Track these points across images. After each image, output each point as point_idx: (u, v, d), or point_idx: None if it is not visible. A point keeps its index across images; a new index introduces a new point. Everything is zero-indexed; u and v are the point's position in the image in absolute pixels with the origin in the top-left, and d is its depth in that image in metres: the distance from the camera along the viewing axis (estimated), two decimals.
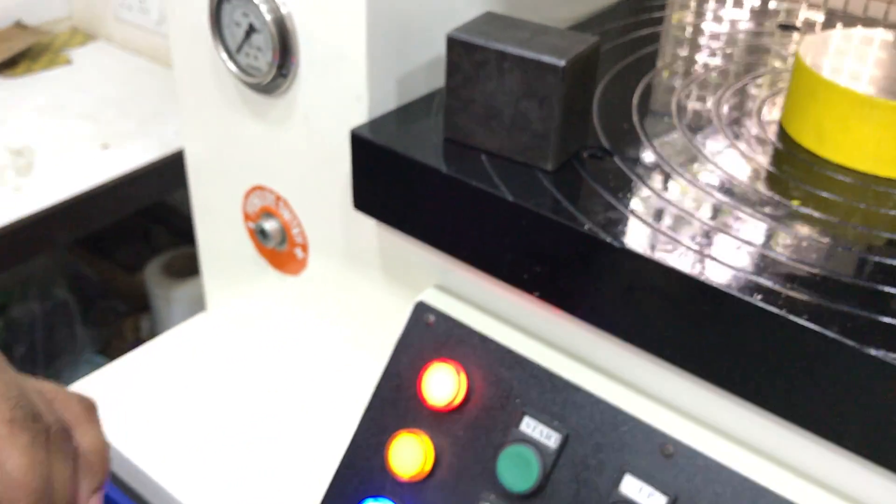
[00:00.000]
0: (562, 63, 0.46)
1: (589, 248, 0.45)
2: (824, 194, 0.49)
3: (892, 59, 0.53)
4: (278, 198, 0.65)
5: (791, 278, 0.41)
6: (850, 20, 0.74)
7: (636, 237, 0.44)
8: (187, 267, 1.12)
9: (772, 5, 0.76)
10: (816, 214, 0.47)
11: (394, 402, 0.54)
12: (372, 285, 0.62)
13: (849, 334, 0.38)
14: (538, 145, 0.49)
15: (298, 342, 0.70)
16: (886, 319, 0.39)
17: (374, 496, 0.53)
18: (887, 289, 0.41)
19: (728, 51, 0.67)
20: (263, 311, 0.72)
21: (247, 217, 0.69)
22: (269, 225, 0.66)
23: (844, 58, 0.53)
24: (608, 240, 0.44)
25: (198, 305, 0.81)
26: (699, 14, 0.74)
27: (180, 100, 0.68)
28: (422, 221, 0.53)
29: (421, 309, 0.55)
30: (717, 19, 0.72)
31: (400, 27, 0.54)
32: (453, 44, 0.49)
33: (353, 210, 0.56)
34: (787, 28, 0.71)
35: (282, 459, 0.62)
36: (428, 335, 0.54)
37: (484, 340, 0.52)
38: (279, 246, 0.67)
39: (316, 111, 0.58)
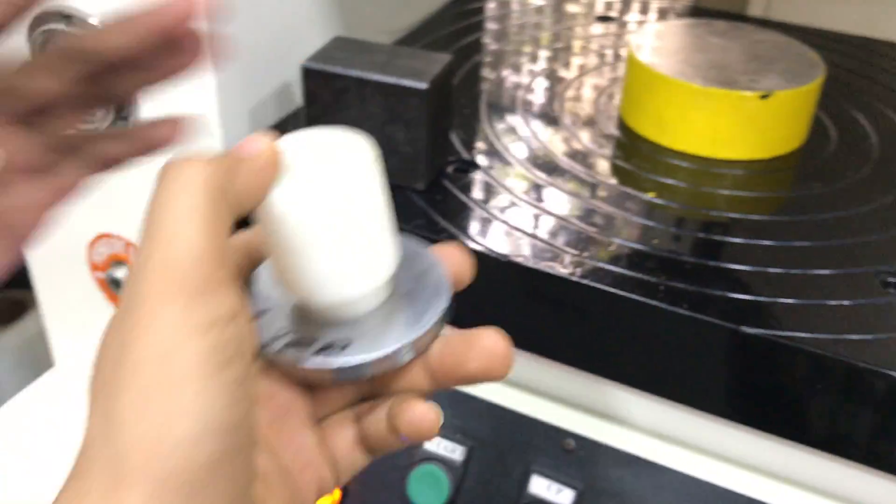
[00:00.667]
0: (424, 86, 0.47)
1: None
2: (670, 181, 0.52)
3: (719, 48, 0.57)
4: (128, 244, 0.61)
5: (647, 266, 0.44)
6: (662, 11, 0.79)
7: (512, 245, 0.45)
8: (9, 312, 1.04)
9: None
10: (664, 202, 0.50)
11: None
12: None
13: (696, 309, 0.41)
14: (409, 167, 0.49)
15: None
16: (725, 293, 0.43)
17: None
18: (725, 264, 0.45)
19: (558, 46, 0.69)
20: None
21: (95, 267, 0.64)
22: (122, 272, 0.62)
23: (675, 50, 0.57)
24: (492, 254, 0.45)
25: (26, 355, 0.75)
26: (524, 13, 0.76)
27: None
28: None
29: None
30: (540, 14, 0.75)
31: (248, 58, 0.53)
32: (310, 73, 0.48)
33: None
34: (606, 20, 0.75)
35: None
36: None
37: None
38: None
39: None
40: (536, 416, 0.49)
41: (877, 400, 0.39)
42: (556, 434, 0.49)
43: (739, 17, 0.81)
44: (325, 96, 0.49)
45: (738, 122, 0.53)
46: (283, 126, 0.56)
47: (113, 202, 0.59)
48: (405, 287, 0.30)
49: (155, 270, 0.23)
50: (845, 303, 0.42)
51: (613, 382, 0.46)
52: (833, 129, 0.59)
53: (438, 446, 0.50)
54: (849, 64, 0.68)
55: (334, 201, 0.27)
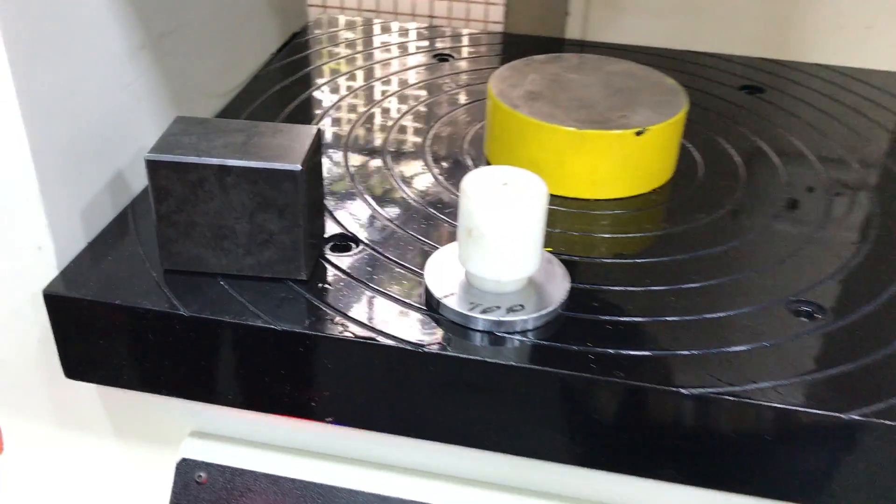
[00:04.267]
0: (297, 167, 0.41)
1: (392, 357, 0.41)
2: (552, 230, 0.50)
3: (579, 85, 0.56)
4: None
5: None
6: (474, 39, 0.77)
7: (404, 325, 0.41)
8: None
9: (413, 37, 0.76)
10: (552, 252, 0.48)
11: None
12: (104, 456, 0.51)
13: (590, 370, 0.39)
14: (288, 257, 0.43)
15: None
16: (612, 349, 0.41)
17: None
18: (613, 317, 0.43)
19: (406, 90, 0.66)
20: None
21: None
22: None
23: (537, 91, 0.55)
24: (416, 349, 0.40)
25: None
26: (352, 61, 0.72)
27: None
28: (163, 374, 0.44)
29: (185, 467, 0.47)
30: (369, 58, 0.71)
31: (71, 152, 0.45)
32: (157, 166, 0.41)
33: (58, 379, 0.46)
34: (443, 58, 0.72)
35: None
36: (203, 495, 0.46)
37: (275, 481, 0.46)
38: None
39: None
40: (407, 497, 0.45)
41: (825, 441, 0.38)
42: None
43: (560, 41, 0.81)
44: (179, 190, 0.42)
45: (616, 162, 0.51)
46: (122, 221, 0.48)
47: None
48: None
49: None
50: (765, 343, 0.41)
51: (565, 467, 0.43)
52: (695, 152, 0.59)
53: None
54: (683, 80, 0.69)
55: (535, 213, 0.40)
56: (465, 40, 0.76)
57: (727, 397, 0.38)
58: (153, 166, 0.42)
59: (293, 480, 0.46)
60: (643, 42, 0.77)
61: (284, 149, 0.42)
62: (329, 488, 0.46)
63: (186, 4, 0.56)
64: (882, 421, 0.37)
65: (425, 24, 0.82)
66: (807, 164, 0.58)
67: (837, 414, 0.37)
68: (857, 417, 0.37)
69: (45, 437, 0.52)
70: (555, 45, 0.78)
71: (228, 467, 0.46)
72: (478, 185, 0.40)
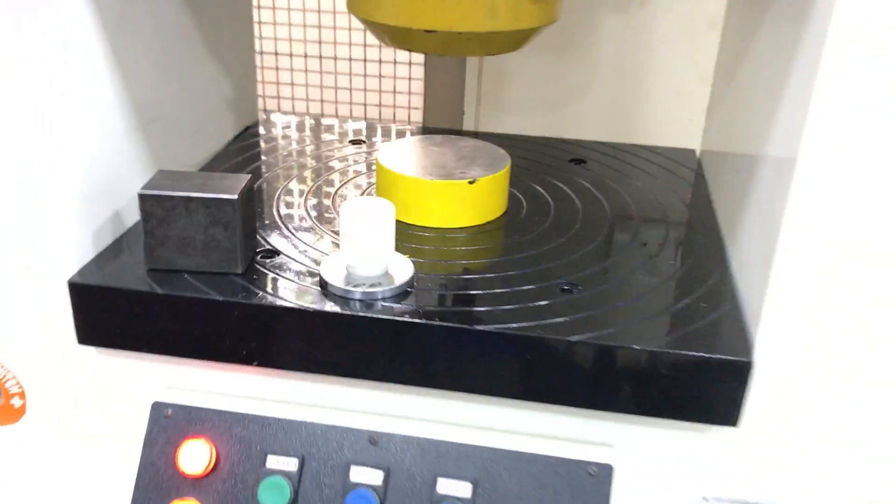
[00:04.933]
0: (235, 196, 0.65)
1: (287, 316, 0.64)
2: (422, 246, 0.74)
3: (438, 154, 0.81)
4: None
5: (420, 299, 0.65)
6: (401, 133, 1.02)
7: (314, 300, 0.64)
8: None
9: (343, 127, 1.02)
10: (422, 260, 0.71)
11: (157, 486, 0.67)
12: (102, 406, 0.73)
13: (453, 320, 0.62)
14: (228, 257, 0.67)
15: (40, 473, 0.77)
16: (468, 308, 0.64)
17: None
18: (469, 291, 0.66)
19: (324, 163, 0.90)
20: None
21: None
22: None
23: (408, 158, 0.80)
24: (299, 307, 0.63)
25: None
26: (288, 145, 0.97)
27: None
28: (147, 337, 0.67)
29: (158, 408, 0.69)
30: (302, 143, 0.96)
31: (87, 196, 0.69)
32: (146, 198, 0.65)
33: (72, 347, 0.68)
34: (357, 142, 0.97)
35: None
36: (170, 424, 0.68)
37: (219, 414, 0.68)
38: None
39: (18, 270, 0.69)
40: (345, 424, 0.67)
41: (561, 356, 0.61)
42: (362, 434, 0.67)
43: (457, 132, 1.07)
44: (159, 213, 0.66)
45: (457, 202, 0.76)
46: (118, 244, 0.72)
47: None
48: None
49: None
50: (541, 303, 0.65)
51: (404, 386, 0.65)
52: (522, 197, 0.83)
53: (277, 463, 0.66)
54: (532, 155, 0.95)
55: (384, 222, 0.65)
56: (393, 132, 1.02)
57: (514, 333, 0.61)
58: (143, 198, 0.65)
59: (233, 414, 0.68)
60: (517, 132, 1.03)
61: (227, 187, 0.66)
62: (260, 418, 0.68)
63: (166, 100, 0.81)
64: (595, 342, 0.61)
65: (361, 125, 1.08)
66: (598, 204, 0.82)
67: (567, 338, 0.61)
68: (579, 339, 0.61)
69: (60, 399, 0.73)
70: (454, 134, 1.04)
71: (187, 406, 0.68)
72: (350, 208, 0.64)
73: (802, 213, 0.55)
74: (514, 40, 0.69)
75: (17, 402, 0.74)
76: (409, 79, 1.24)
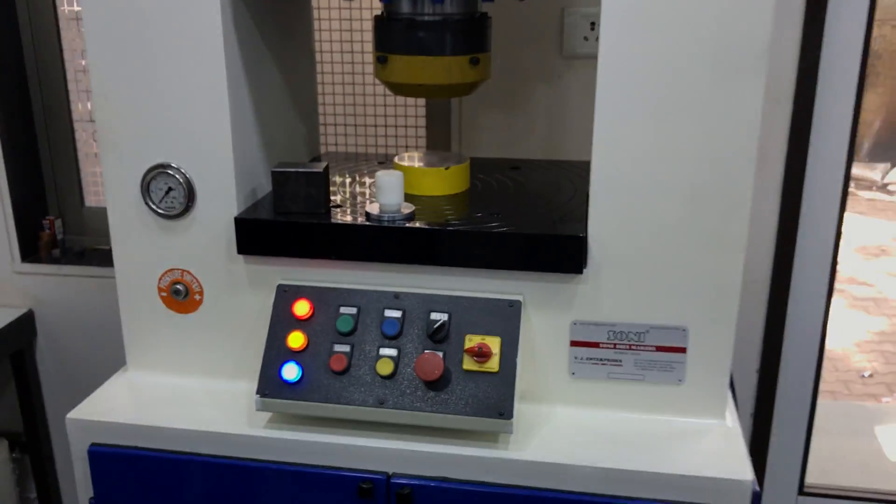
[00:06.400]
0: (321, 170, 1.26)
1: (350, 230, 1.24)
2: (420, 202, 1.33)
3: (431, 157, 1.42)
4: (183, 271, 1.32)
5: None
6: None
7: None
8: None
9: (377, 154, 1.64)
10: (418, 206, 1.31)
11: (283, 325, 1.25)
12: (244, 296, 1.32)
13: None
14: (316, 206, 1.27)
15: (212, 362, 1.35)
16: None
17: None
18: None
19: (360, 170, 1.52)
20: (173, 347, 1.36)
21: (160, 290, 1.34)
22: (180, 286, 1.32)
23: (419, 157, 1.41)
24: (356, 223, 1.23)
25: None
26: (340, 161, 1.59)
27: (116, 239, 1.32)
28: (275, 247, 1.26)
29: (280, 287, 1.27)
30: (349, 161, 1.58)
31: (243, 173, 1.30)
32: (276, 173, 1.26)
33: (228, 259, 1.28)
34: (382, 163, 1.59)
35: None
36: (287, 293, 1.27)
37: (314, 287, 1.27)
38: (183, 298, 1.33)
39: (206, 216, 1.29)
40: (383, 289, 1.26)
41: (493, 241, 1.20)
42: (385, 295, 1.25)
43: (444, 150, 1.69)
44: (281, 180, 1.26)
45: (439, 180, 1.36)
46: (261, 200, 1.32)
47: (179, 249, 1.32)
48: None
49: None
50: (482, 225, 1.24)
51: (411, 265, 1.24)
52: (479, 183, 1.44)
53: (345, 310, 1.25)
54: (487, 164, 1.55)
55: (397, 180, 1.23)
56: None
57: (464, 230, 1.21)
58: (274, 172, 1.26)
59: (321, 287, 1.27)
60: (492, 155, 1.65)
61: (315, 168, 1.27)
62: (335, 289, 1.26)
63: (276, 130, 1.42)
64: (515, 232, 1.20)
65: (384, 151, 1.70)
66: (521, 185, 1.42)
67: (494, 231, 1.20)
68: (501, 230, 1.20)
69: (221, 292, 1.33)
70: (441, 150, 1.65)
71: (296, 284, 1.27)
72: (380, 172, 1.24)
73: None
74: (462, 89, 1.31)
75: (197, 297, 1.33)
76: (416, 126, 1.86)
